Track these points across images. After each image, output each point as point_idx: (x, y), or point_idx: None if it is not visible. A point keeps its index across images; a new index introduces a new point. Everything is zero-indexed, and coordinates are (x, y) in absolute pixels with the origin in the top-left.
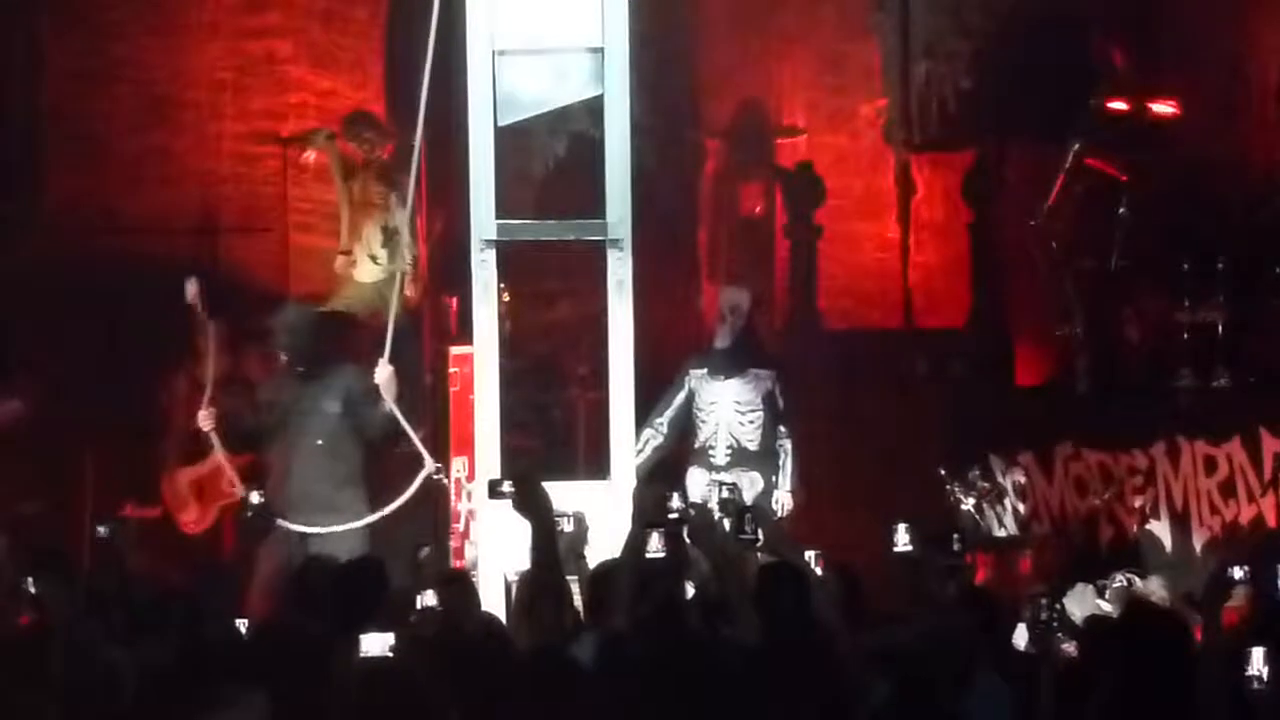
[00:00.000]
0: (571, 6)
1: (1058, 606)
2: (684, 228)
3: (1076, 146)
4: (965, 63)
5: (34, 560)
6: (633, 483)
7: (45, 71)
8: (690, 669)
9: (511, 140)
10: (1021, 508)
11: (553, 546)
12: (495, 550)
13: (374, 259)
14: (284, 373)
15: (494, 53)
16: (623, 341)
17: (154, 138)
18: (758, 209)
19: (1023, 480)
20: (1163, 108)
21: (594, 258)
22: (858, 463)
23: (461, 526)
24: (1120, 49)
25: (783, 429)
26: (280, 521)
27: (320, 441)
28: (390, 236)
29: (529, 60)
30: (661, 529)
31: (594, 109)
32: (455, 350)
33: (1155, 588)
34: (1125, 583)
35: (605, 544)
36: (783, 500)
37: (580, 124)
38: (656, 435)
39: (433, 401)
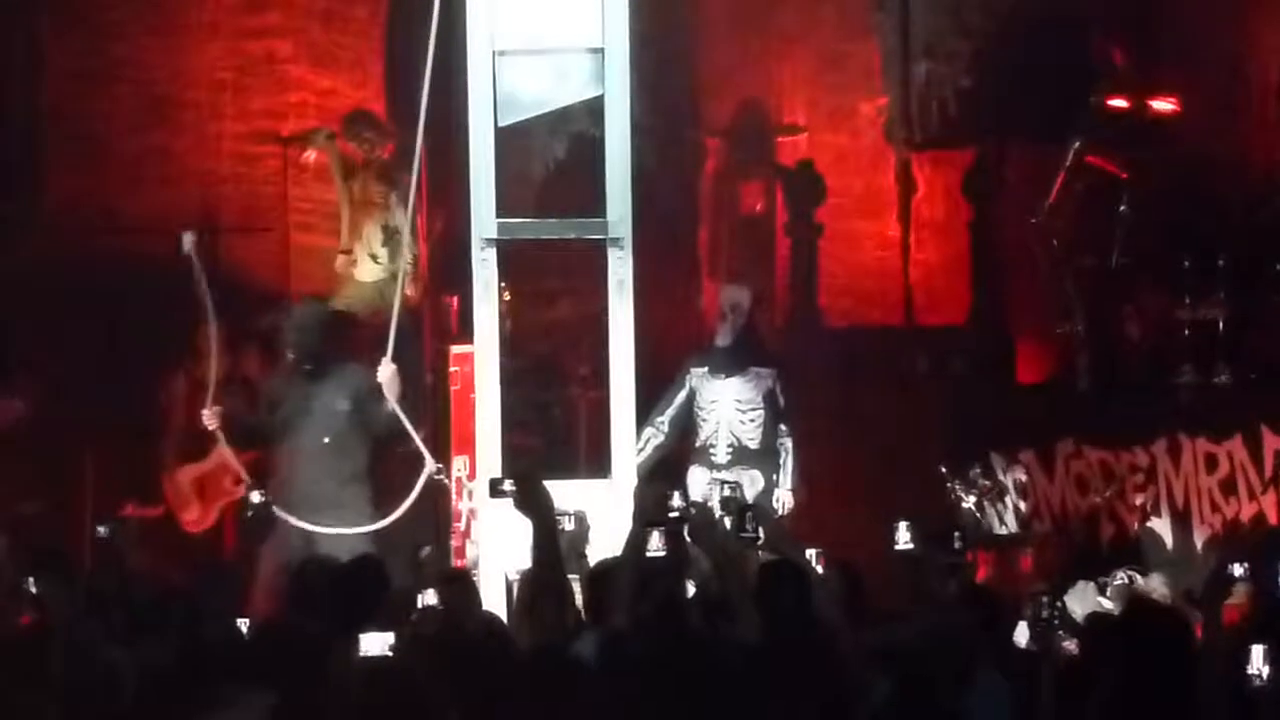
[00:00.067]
0: (571, 7)
1: (1059, 604)
2: (684, 226)
3: (1077, 144)
4: (966, 61)
5: (34, 560)
6: (634, 481)
7: (45, 71)
8: (691, 668)
9: (512, 140)
10: (1023, 505)
11: (554, 545)
12: (496, 549)
13: (374, 258)
14: (291, 371)
15: (494, 53)
16: (623, 340)
17: (154, 137)
18: (758, 207)
19: (1024, 478)
20: (1163, 105)
21: (595, 257)
22: (859, 461)
23: (462, 525)
24: (1120, 47)
25: (783, 427)
26: (286, 516)
27: (327, 439)
28: (391, 236)
29: (529, 60)
30: (662, 527)
31: (594, 109)
32: (456, 349)
33: (1156, 585)
34: (1126, 580)
35: (606, 543)
36: (783, 498)
37: (581, 124)
38: (657, 434)
39: (433, 401)
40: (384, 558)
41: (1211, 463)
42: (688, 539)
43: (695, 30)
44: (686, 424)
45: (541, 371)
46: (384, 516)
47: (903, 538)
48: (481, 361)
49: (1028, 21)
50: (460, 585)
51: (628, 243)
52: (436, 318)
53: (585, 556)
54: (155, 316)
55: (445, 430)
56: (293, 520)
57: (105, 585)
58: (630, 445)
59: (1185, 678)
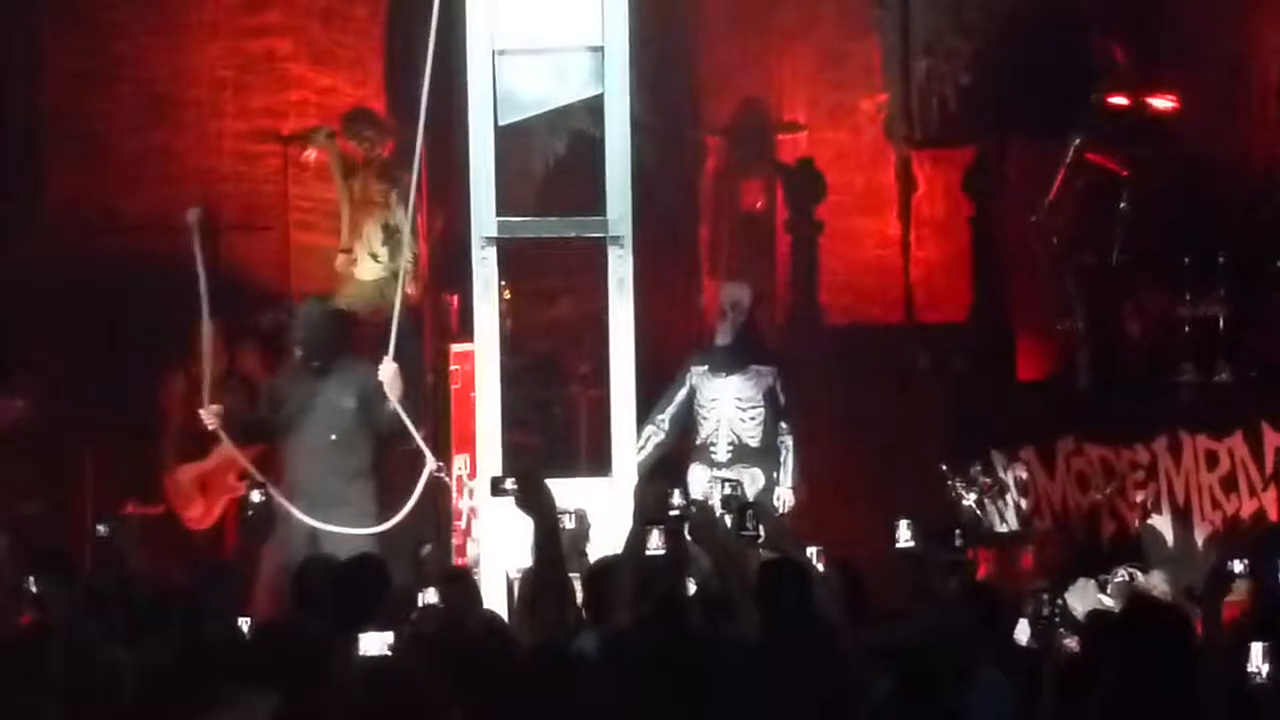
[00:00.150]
0: (571, 5)
1: (1059, 602)
2: (685, 224)
3: (1077, 142)
4: (966, 58)
5: (35, 559)
6: (634, 480)
7: (45, 71)
8: (692, 666)
9: (512, 138)
10: (1023, 503)
11: (555, 544)
12: (497, 547)
13: (375, 257)
14: (299, 368)
15: (494, 52)
16: (624, 338)
17: (154, 137)
18: (758, 205)
19: (1024, 475)
20: (1163, 103)
21: (595, 255)
22: (859, 458)
23: (463, 524)
24: (1121, 44)
25: (784, 425)
26: (291, 509)
27: (334, 436)
28: (391, 234)
29: (529, 59)
30: (663, 526)
31: (594, 107)
32: (456, 348)
33: (1157, 582)
34: (1127, 578)
35: (607, 541)
36: (784, 496)
37: (581, 122)
38: (658, 432)
39: (434, 399)
40: (385, 556)
41: (1212, 460)
42: (688, 537)
43: (695, 28)
44: (687, 422)
45: (542, 370)
46: (388, 514)
47: (903, 535)
48: (482, 360)
49: (1028, 19)
50: (461, 584)
51: (628, 241)
52: (437, 316)
53: (586, 555)
54: (155, 316)
55: (446, 429)
56: (299, 515)
57: (106, 585)
58: (631, 443)
59: (1186, 675)
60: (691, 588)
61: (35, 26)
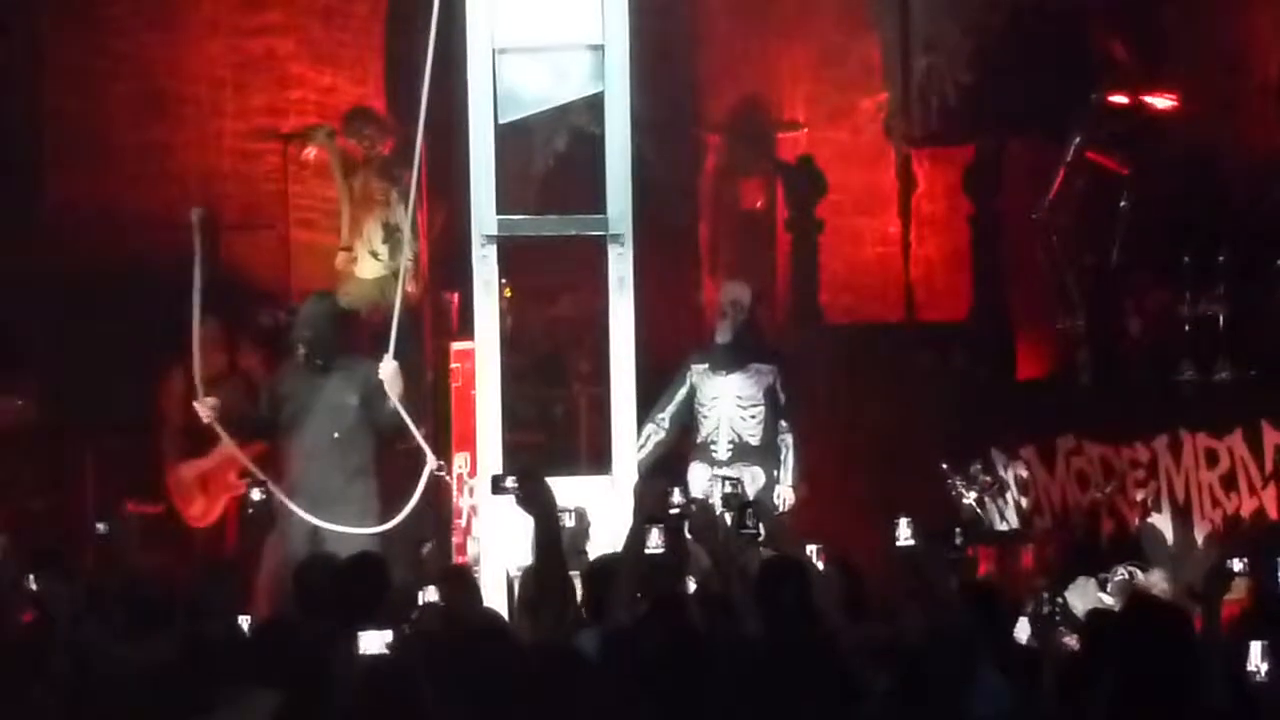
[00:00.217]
0: (571, 4)
1: (1059, 600)
2: (685, 223)
3: (1077, 140)
4: (966, 57)
5: (35, 558)
6: (634, 478)
7: (45, 70)
8: (691, 664)
9: (512, 137)
10: (1023, 501)
11: (556, 542)
12: (497, 546)
13: (375, 255)
14: (302, 366)
15: (494, 50)
16: (624, 337)
17: (154, 135)
18: (759, 204)
19: (1024, 474)
20: (1163, 102)
21: (595, 253)
22: (859, 457)
23: (463, 522)
24: (1121, 43)
25: (784, 424)
26: (292, 507)
27: (336, 434)
28: (391, 233)
29: (529, 57)
30: (663, 524)
31: (594, 105)
32: (457, 346)
33: (1157, 581)
34: (1127, 576)
35: (607, 539)
36: (784, 495)
37: (581, 120)
38: (658, 430)
39: (434, 397)
40: (385, 555)
41: (1212, 458)
42: (688, 535)
43: (695, 26)
44: (687, 420)
45: (542, 368)
46: (389, 512)
47: (903, 534)
48: (482, 358)
49: (1028, 17)
50: (461, 582)
51: (628, 239)
52: (437, 315)
53: (586, 553)
54: (155, 314)
55: (446, 427)
56: (300, 513)
57: (106, 583)
58: (631, 442)
59: (1186, 673)
60: (691, 586)
61: (35, 25)
